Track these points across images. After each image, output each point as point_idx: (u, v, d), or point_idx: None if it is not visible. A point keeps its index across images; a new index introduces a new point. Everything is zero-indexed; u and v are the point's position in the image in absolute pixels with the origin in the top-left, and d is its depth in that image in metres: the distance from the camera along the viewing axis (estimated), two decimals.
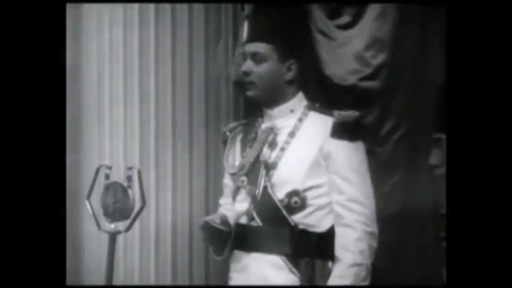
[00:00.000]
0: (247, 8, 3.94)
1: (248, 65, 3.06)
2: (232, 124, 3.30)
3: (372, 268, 3.01)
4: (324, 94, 4.07)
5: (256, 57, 3.05)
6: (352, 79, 3.99)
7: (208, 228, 3.03)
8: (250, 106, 3.45)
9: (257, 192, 3.04)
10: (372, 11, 4.01)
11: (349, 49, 4.03)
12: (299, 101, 3.11)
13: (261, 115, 3.16)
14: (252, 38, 3.10)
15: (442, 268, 2.75)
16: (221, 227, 3.02)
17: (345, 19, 4.07)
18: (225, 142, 3.25)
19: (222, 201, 3.28)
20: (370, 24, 4.01)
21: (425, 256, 3.92)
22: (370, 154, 3.99)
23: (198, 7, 4.11)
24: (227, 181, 3.22)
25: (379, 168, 4.00)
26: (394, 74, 3.98)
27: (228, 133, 3.24)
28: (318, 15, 4.11)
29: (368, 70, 3.98)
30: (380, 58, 3.97)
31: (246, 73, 3.07)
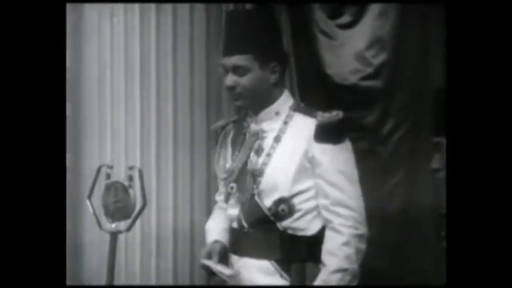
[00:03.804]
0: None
1: (232, 78, 3.02)
2: (222, 122, 3.26)
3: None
4: (325, 94, 4.08)
5: (239, 70, 3.02)
6: (353, 79, 3.99)
7: (207, 269, 3.03)
8: (238, 112, 3.44)
9: (244, 199, 3.03)
10: (373, 10, 4.02)
11: (350, 48, 4.03)
12: (284, 102, 3.08)
13: (250, 114, 3.14)
14: (229, 51, 3.06)
15: (443, 268, 2.74)
16: (221, 270, 3.00)
17: (346, 18, 4.07)
18: (216, 141, 3.22)
19: (218, 197, 3.25)
20: (371, 23, 4.02)
21: (426, 256, 3.92)
22: (371, 153, 4.01)
23: (199, 7, 4.11)
24: (219, 181, 3.21)
25: (380, 168, 4.00)
26: (395, 73, 3.98)
27: (219, 131, 3.21)
28: (319, 15, 4.12)
29: (369, 70, 3.98)
30: (381, 58, 3.98)
31: (232, 87, 3.04)
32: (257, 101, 3.04)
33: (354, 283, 2.94)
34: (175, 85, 4.07)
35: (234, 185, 3.06)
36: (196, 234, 4.03)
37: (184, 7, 4.07)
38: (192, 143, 4.11)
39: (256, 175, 3.00)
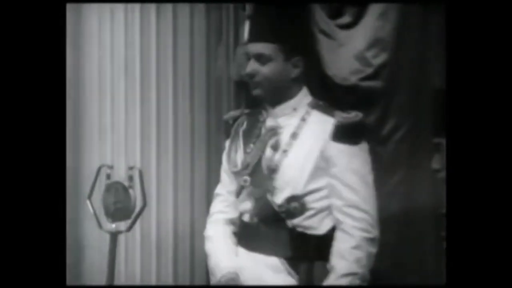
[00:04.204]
0: (248, 8, 3.94)
1: (253, 66, 3.01)
2: (234, 113, 3.25)
3: (373, 269, 2.99)
4: (325, 94, 4.07)
5: (261, 58, 3.00)
6: (353, 79, 3.98)
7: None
8: (251, 105, 3.43)
9: (258, 194, 3.02)
10: (374, 11, 4.01)
11: (350, 49, 4.02)
12: (302, 98, 3.07)
13: (265, 108, 3.12)
14: (255, 38, 3.04)
15: (443, 268, 2.75)
16: None
17: (346, 19, 4.06)
18: (227, 132, 3.20)
19: (221, 190, 3.23)
20: (372, 24, 4.01)
21: (426, 256, 3.92)
22: (371, 154, 4.00)
23: (199, 7, 4.10)
24: (226, 174, 3.19)
25: (380, 168, 3.98)
26: (395, 73, 3.97)
27: (230, 122, 3.20)
28: (319, 15, 4.11)
29: (369, 70, 3.97)
30: (381, 58, 3.96)
31: (251, 75, 3.02)
32: (274, 93, 3.03)
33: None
34: (175, 85, 4.07)
35: (248, 179, 3.04)
36: (196, 234, 4.03)
37: (184, 7, 4.06)
38: (192, 143, 4.10)
39: (272, 171, 2.99)
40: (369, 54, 3.99)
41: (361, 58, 4.00)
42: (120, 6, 3.98)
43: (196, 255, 4.07)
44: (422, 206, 3.90)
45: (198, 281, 4.09)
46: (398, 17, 3.99)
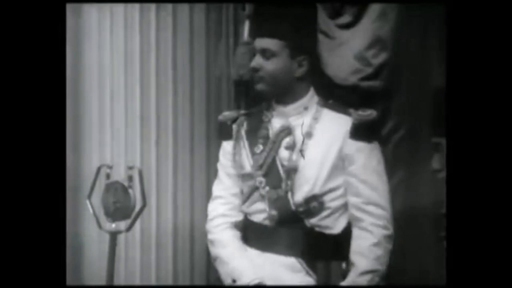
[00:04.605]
0: (248, 8, 3.94)
1: (258, 61, 3.02)
2: (231, 113, 3.22)
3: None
4: (325, 94, 4.07)
5: (266, 53, 3.01)
6: (353, 79, 3.98)
7: None
8: (251, 106, 3.43)
9: (277, 195, 3.01)
10: (373, 10, 4.01)
11: (350, 48, 4.02)
12: (311, 98, 3.09)
13: (267, 108, 3.12)
14: (262, 34, 3.05)
15: (443, 268, 2.75)
16: None
17: (346, 18, 4.06)
18: (226, 133, 3.17)
19: (220, 192, 3.17)
20: (371, 23, 4.01)
21: (426, 256, 3.92)
22: None
23: (199, 7, 4.11)
24: (228, 176, 3.17)
25: None
26: (395, 73, 3.97)
27: (228, 123, 3.18)
28: (320, 15, 4.11)
29: (369, 70, 3.97)
30: (381, 58, 3.96)
31: (256, 69, 3.03)
32: (278, 90, 3.03)
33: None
34: (175, 85, 4.07)
35: (263, 180, 3.03)
36: (196, 234, 4.03)
37: (184, 7, 4.07)
38: (192, 143, 4.10)
39: (292, 171, 2.99)
40: (368, 54, 3.99)
41: (360, 58, 4.00)
42: (120, 6, 3.98)
43: (196, 254, 4.07)
44: (422, 206, 3.90)
45: (198, 281, 4.09)
46: (397, 17, 3.99)
